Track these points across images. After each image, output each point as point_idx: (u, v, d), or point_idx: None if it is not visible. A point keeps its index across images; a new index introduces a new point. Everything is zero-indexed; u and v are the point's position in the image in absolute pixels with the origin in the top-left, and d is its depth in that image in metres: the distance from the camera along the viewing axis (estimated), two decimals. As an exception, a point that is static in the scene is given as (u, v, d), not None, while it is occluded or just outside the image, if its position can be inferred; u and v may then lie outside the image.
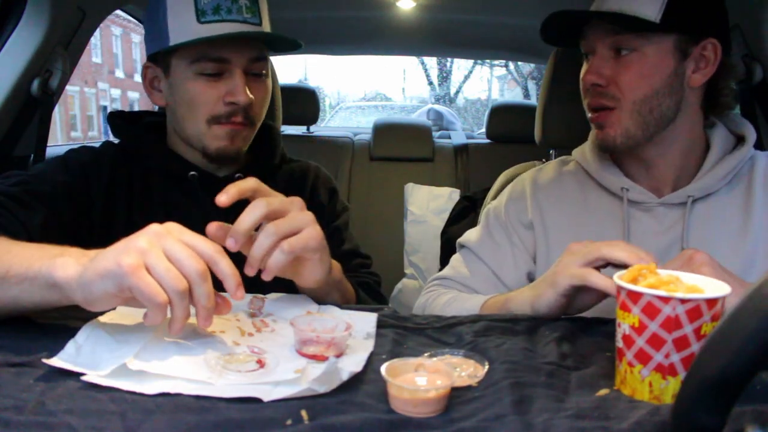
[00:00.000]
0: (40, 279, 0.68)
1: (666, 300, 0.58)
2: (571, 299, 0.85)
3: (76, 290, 0.66)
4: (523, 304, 0.90)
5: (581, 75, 1.07)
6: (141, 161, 1.10)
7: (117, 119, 1.13)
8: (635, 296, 0.60)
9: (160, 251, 0.64)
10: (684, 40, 0.99)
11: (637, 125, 1.01)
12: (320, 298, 0.90)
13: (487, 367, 0.65)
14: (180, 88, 1.04)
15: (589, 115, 1.07)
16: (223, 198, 0.75)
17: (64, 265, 0.67)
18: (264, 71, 1.08)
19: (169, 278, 0.63)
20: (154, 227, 0.67)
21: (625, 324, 0.62)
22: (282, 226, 0.76)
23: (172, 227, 0.68)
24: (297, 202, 0.80)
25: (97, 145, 1.13)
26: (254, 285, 0.85)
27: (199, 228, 0.73)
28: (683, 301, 0.58)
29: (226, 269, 0.67)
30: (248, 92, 1.02)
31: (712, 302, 0.59)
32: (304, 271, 0.84)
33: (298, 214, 0.78)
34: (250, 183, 0.78)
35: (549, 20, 1.05)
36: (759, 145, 1.08)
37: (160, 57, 1.06)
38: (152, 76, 1.10)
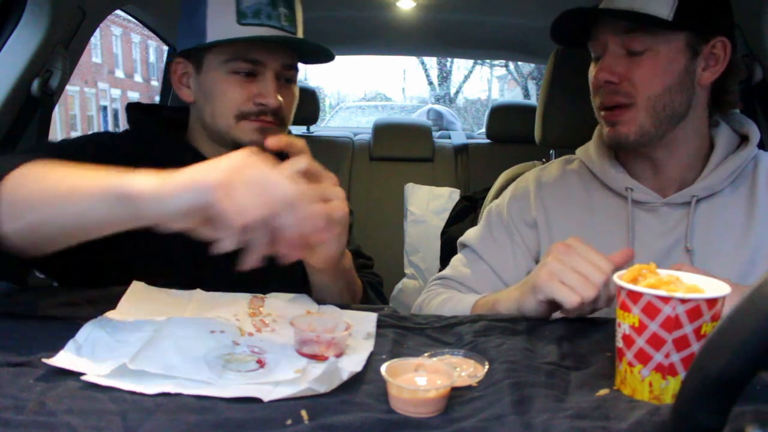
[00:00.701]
0: (111, 192, 0.68)
1: (666, 300, 0.58)
2: (553, 305, 0.85)
3: (149, 203, 0.66)
4: (510, 306, 0.90)
5: (592, 74, 1.06)
6: (156, 154, 1.09)
7: (135, 111, 1.13)
8: (635, 296, 0.60)
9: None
10: (695, 39, 1.00)
11: (651, 122, 1.01)
12: (328, 284, 0.91)
13: (487, 367, 0.65)
14: (211, 85, 1.05)
15: (601, 113, 1.06)
16: (273, 141, 0.80)
17: (140, 178, 0.67)
18: (293, 79, 1.09)
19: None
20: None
21: (625, 324, 0.62)
22: (314, 190, 0.77)
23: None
24: (333, 177, 0.83)
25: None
26: (254, 284, 0.85)
27: None
28: (683, 301, 0.58)
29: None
30: (278, 96, 1.03)
31: (712, 302, 0.59)
32: (320, 246, 0.85)
33: (330, 186, 0.81)
34: (300, 143, 0.82)
35: (560, 18, 1.04)
36: (760, 146, 1.08)
37: (193, 53, 1.07)
38: (182, 71, 1.10)
